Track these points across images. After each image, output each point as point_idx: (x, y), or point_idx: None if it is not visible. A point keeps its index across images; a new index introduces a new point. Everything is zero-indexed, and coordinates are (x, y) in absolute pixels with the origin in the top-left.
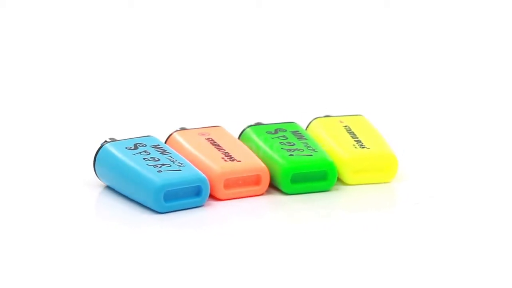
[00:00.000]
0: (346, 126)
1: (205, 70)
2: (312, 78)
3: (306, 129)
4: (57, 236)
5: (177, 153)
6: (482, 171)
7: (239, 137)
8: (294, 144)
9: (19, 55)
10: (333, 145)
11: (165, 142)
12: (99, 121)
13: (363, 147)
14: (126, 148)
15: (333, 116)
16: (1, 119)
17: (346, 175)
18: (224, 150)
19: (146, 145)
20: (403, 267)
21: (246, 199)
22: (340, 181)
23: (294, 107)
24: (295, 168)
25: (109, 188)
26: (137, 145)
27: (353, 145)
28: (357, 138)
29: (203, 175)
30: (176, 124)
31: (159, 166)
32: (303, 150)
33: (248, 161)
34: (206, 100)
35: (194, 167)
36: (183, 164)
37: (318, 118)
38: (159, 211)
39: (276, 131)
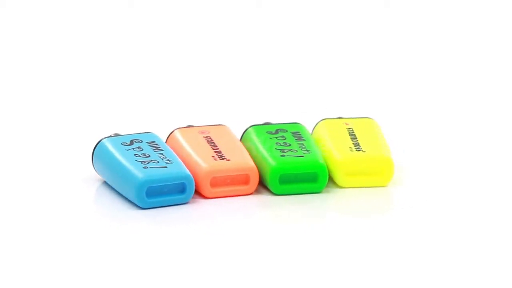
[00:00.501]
0: (350, 128)
1: (218, 69)
2: (326, 78)
3: (312, 130)
4: (44, 228)
5: (171, 150)
6: (482, 176)
7: (241, 137)
8: (290, 145)
9: (21, 53)
10: (330, 147)
11: (167, 139)
12: (110, 118)
13: (359, 150)
14: (121, 143)
15: (342, 118)
16: (5, 116)
17: (338, 178)
18: (218, 149)
19: (142, 141)
20: (387, 270)
21: (233, 198)
22: (334, 183)
23: (308, 108)
24: (283, 169)
25: (105, 183)
26: (134, 141)
27: (350, 147)
28: (357, 141)
29: (188, 172)
30: (186, 121)
31: (147, 162)
32: (297, 151)
33: (238, 160)
34: (220, 99)
35: (182, 164)
36: (171, 161)
37: (325, 120)
38: (142, 207)
39: (276, 131)
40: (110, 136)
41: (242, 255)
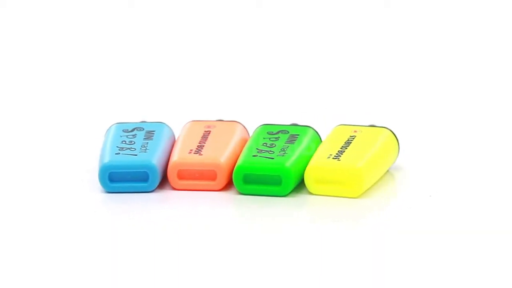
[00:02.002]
0: (352, 136)
1: (256, 69)
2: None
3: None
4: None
5: (161, 141)
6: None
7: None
8: (274, 146)
9: (26, 48)
10: (316, 153)
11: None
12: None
13: (336, 158)
14: (123, 129)
15: (358, 125)
16: (17, 109)
17: (308, 184)
18: (204, 143)
19: (143, 130)
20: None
21: (199, 192)
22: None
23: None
24: (246, 169)
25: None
26: (136, 128)
27: (330, 154)
28: (345, 149)
29: (154, 162)
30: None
31: (124, 149)
32: (273, 153)
33: (209, 156)
34: (263, 98)
35: (155, 154)
36: (146, 151)
37: (340, 125)
38: (105, 190)
39: (277, 132)
40: (123, 122)
41: (170, 247)
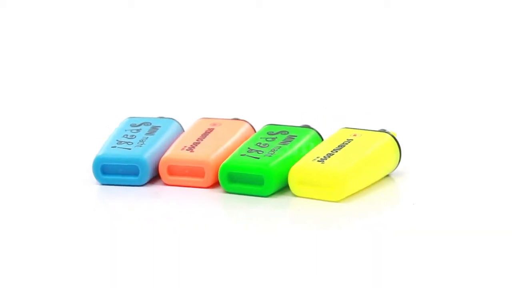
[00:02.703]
0: (349, 139)
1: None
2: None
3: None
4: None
5: (161, 137)
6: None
7: None
8: (266, 146)
9: (45, 46)
10: (305, 155)
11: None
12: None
13: (321, 161)
14: (131, 124)
15: (360, 129)
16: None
17: (291, 185)
18: (200, 141)
19: (149, 125)
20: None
21: (188, 189)
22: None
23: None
24: (231, 167)
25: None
26: (144, 123)
27: (317, 157)
28: (335, 152)
29: (144, 157)
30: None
31: (122, 143)
32: (262, 153)
33: (200, 153)
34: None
35: (150, 150)
36: (142, 145)
37: (344, 128)
38: (99, 182)
39: (277, 133)
40: (135, 117)
41: (148, 241)
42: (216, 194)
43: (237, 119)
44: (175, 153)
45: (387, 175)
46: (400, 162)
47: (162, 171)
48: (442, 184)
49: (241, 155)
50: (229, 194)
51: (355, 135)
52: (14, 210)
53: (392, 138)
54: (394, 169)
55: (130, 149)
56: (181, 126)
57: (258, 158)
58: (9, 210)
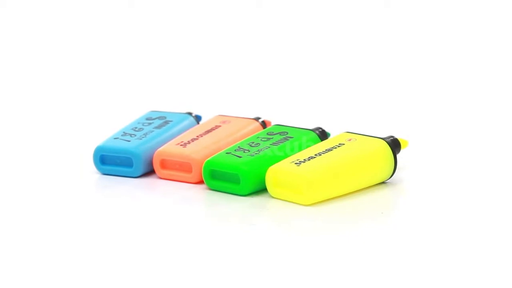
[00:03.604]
0: (341, 144)
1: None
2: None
3: None
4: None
5: (170, 132)
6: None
7: None
8: (257, 146)
9: (58, 44)
10: (289, 157)
11: None
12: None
13: (298, 164)
14: (147, 117)
15: (362, 134)
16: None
17: (267, 186)
18: (198, 137)
19: (164, 119)
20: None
21: (177, 183)
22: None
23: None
24: (212, 165)
25: None
26: (159, 117)
27: (298, 160)
28: (317, 156)
29: (138, 150)
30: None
31: (126, 135)
32: (248, 152)
33: (190, 149)
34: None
35: (149, 143)
36: (142, 138)
37: (345, 132)
38: (99, 171)
39: (276, 133)
40: (156, 111)
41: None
42: (200, 190)
43: (257, 118)
44: (168, 147)
45: (384, 182)
46: (399, 170)
47: (156, 165)
48: (430, 197)
49: (227, 153)
50: (212, 191)
51: (350, 139)
52: (27, 191)
53: (387, 146)
54: (390, 177)
55: (129, 141)
56: (197, 121)
57: (241, 157)
58: (20, 190)
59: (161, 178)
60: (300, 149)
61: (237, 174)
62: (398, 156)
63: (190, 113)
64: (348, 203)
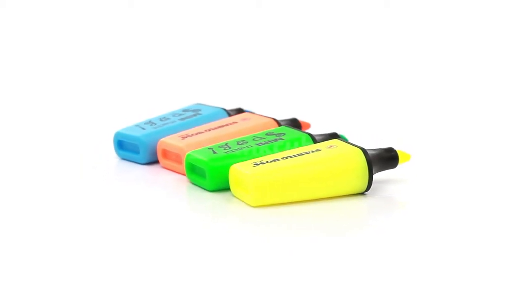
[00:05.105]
0: (318, 149)
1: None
2: None
3: None
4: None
5: (191, 124)
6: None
7: None
8: (243, 143)
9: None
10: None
11: None
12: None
13: (256, 165)
14: (184, 109)
15: (351, 144)
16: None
17: (230, 184)
18: (204, 132)
19: (197, 111)
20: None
21: (172, 173)
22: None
23: None
24: (190, 158)
25: None
26: (194, 110)
27: (261, 161)
28: (282, 159)
29: (146, 138)
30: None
31: (148, 123)
32: (229, 148)
33: (186, 143)
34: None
35: (162, 133)
36: (157, 128)
37: (336, 140)
38: (118, 156)
39: (273, 134)
40: (201, 104)
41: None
42: (181, 183)
43: (295, 119)
44: (169, 138)
45: (364, 194)
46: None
47: (158, 154)
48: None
49: (209, 148)
50: (190, 184)
51: (331, 146)
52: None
53: (362, 156)
54: (367, 189)
55: (145, 129)
56: (229, 115)
57: (216, 153)
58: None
59: (163, 167)
60: (283, 150)
61: (203, 169)
62: (399, 168)
63: (241, 109)
64: (302, 209)
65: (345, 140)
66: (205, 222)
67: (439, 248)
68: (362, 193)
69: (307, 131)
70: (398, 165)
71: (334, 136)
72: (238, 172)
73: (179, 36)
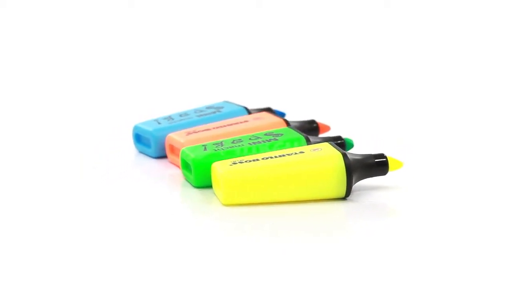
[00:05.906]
0: (301, 152)
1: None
2: None
3: None
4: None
5: (207, 120)
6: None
7: None
8: (238, 142)
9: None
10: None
11: None
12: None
13: (233, 164)
14: (208, 106)
15: (339, 150)
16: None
17: (212, 182)
18: (211, 129)
19: (218, 108)
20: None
21: (175, 169)
22: None
23: None
24: (183, 154)
25: None
26: (217, 107)
27: (239, 160)
28: (262, 159)
29: (157, 132)
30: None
31: (167, 119)
32: (220, 146)
33: (189, 139)
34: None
35: (176, 128)
36: (173, 123)
37: (327, 142)
38: (136, 149)
39: (271, 134)
40: (230, 102)
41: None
42: (180, 179)
43: (311, 121)
44: (176, 134)
45: (345, 199)
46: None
47: (167, 149)
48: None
49: (202, 145)
50: (184, 180)
51: (315, 149)
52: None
53: (341, 161)
54: (347, 194)
55: (160, 123)
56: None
57: (206, 150)
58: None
59: (170, 162)
60: (271, 150)
61: (189, 164)
62: (390, 175)
63: (269, 109)
64: (276, 211)
65: (349, 144)
66: (182, 220)
67: (414, 253)
68: (343, 198)
69: (325, 134)
70: (390, 172)
71: (337, 139)
72: (215, 170)
73: (226, 35)
